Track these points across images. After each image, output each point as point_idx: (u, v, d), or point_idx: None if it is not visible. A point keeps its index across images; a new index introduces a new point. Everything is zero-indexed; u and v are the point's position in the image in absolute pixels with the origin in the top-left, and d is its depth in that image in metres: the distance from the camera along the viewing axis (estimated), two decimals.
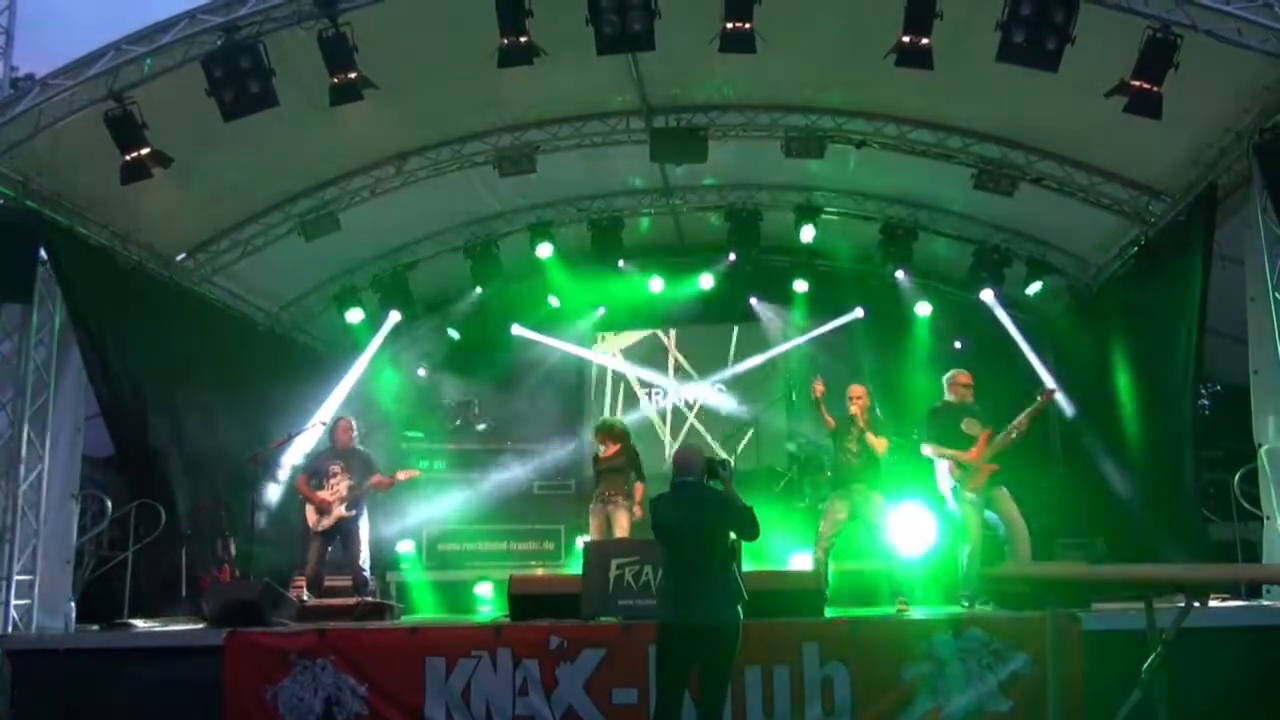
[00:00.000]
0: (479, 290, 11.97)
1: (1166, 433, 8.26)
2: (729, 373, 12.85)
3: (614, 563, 6.93)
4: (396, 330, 11.78)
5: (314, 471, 8.59)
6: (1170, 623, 4.41)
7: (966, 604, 7.46)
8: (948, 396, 8.01)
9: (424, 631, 6.88)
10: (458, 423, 11.67)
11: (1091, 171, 9.05)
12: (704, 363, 13.02)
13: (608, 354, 13.22)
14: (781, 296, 12.48)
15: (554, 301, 12.37)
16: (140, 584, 8.31)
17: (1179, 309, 7.82)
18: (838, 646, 6.29)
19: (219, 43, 6.90)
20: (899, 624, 6.67)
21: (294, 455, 9.86)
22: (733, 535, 5.35)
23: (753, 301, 12.70)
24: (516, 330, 12.70)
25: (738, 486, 5.51)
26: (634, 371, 13.11)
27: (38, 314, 7.70)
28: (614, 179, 10.82)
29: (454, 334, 12.67)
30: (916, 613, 7.18)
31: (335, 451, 8.65)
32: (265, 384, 10.35)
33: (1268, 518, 6.98)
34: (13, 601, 7.34)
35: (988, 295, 11.14)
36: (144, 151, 7.27)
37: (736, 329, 12.94)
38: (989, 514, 7.66)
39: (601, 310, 12.83)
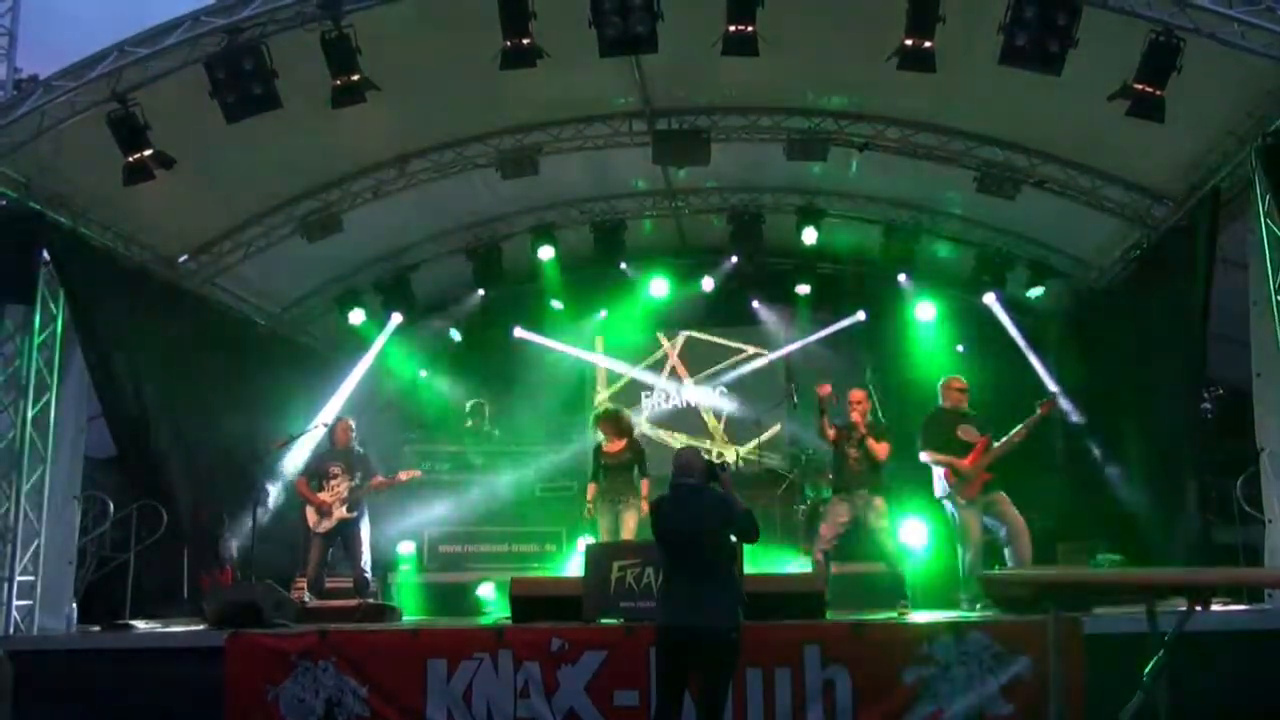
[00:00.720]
0: (481, 292, 12.00)
1: (1168, 436, 8.24)
2: (731, 375, 12.83)
3: (615, 565, 6.94)
4: (398, 332, 11.77)
5: (314, 473, 8.59)
6: (1172, 627, 4.40)
7: (968, 607, 7.46)
8: (942, 402, 8.04)
9: (425, 633, 6.89)
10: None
11: (1094, 175, 9.03)
12: (706, 365, 13.00)
13: (609, 356, 13.19)
14: (784, 299, 12.47)
15: (556, 304, 12.36)
16: (142, 585, 8.28)
17: (1181, 312, 7.81)
18: (839, 649, 6.28)
19: (222, 44, 6.89)
20: (900, 627, 6.66)
21: (296, 457, 9.85)
22: (733, 538, 5.34)
23: (755, 304, 12.68)
24: (518, 332, 12.70)
25: (738, 489, 5.50)
26: (635, 374, 13.09)
27: (40, 315, 7.72)
28: (616, 181, 10.81)
29: (456, 336, 12.67)
30: (918, 616, 7.18)
31: (335, 452, 8.65)
32: (267, 385, 10.34)
33: (1269, 521, 6.97)
34: (15, 602, 7.36)
35: (990, 298, 11.16)
36: (146, 153, 7.26)
37: (739, 331, 12.92)
38: (987, 518, 7.66)
39: (603, 313, 12.81)
